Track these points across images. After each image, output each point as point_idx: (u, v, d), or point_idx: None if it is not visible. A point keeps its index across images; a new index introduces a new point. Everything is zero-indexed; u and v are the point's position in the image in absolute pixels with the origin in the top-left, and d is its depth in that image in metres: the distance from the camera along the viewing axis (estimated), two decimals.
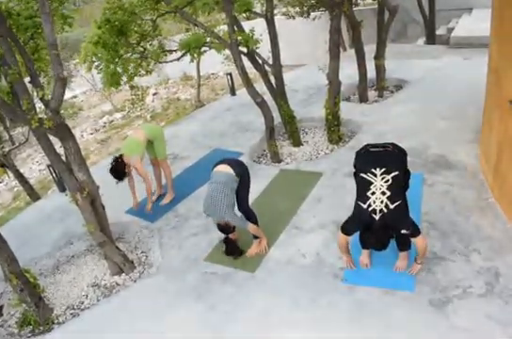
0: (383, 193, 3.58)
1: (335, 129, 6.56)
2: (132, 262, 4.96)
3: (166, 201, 6.10)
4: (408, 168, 4.00)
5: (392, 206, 3.54)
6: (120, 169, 5.47)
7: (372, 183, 3.67)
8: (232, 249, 4.69)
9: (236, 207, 4.60)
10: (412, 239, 3.69)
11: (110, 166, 5.48)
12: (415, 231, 3.62)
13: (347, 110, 7.05)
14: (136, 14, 6.16)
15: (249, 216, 4.70)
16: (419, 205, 4.74)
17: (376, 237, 3.60)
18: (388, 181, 3.63)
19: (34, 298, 4.37)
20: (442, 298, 3.63)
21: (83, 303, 4.65)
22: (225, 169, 4.49)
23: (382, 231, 3.57)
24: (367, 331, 3.51)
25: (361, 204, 3.65)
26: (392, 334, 3.44)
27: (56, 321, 4.46)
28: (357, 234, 3.76)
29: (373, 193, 3.62)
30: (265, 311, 3.94)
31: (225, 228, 4.48)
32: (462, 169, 5.29)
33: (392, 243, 3.84)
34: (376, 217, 3.55)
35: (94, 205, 4.64)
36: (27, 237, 5.98)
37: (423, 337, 3.38)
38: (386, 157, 3.86)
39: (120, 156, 5.50)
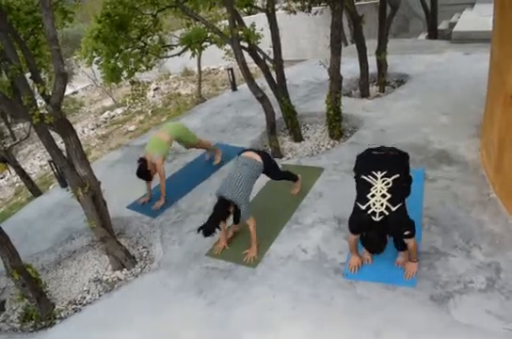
0: (383, 196, 3.60)
1: (336, 124, 6.54)
2: (133, 257, 4.97)
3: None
4: (409, 173, 4.00)
5: (394, 209, 3.55)
6: (143, 171, 5.70)
7: (372, 185, 3.69)
8: (210, 226, 4.32)
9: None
10: (406, 240, 3.68)
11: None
12: (414, 232, 3.62)
13: (349, 105, 7.03)
14: (136, 9, 6.14)
15: (287, 176, 5.29)
16: (420, 200, 4.73)
17: (377, 240, 3.62)
18: (388, 183, 3.64)
19: (36, 293, 4.39)
20: (443, 294, 3.63)
21: (84, 298, 4.67)
22: (253, 155, 4.70)
23: (382, 234, 3.60)
24: (368, 326, 3.51)
25: (360, 206, 3.67)
26: (393, 329, 3.45)
27: (57, 316, 4.48)
28: None
29: (372, 195, 3.63)
30: (266, 306, 3.94)
31: (219, 208, 4.36)
32: (463, 165, 5.28)
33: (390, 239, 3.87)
34: (376, 219, 3.55)
35: (95, 201, 4.65)
36: (29, 233, 6.01)
37: (423, 332, 3.38)
38: (387, 161, 3.88)
39: (141, 159, 5.73)
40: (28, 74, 4.78)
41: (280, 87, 6.52)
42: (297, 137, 6.88)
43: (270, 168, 4.88)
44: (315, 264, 4.29)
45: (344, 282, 3.99)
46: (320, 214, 4.99)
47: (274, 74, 6.50)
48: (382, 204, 3.56)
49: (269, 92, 6.54)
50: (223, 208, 4.39)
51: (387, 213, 3.54)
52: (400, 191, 3.70)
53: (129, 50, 6.36)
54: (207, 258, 4.73)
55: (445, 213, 4.55)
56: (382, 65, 7.97)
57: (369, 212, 3.58)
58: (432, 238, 4.23)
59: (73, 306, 4.60)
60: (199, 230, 4.35)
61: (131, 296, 4.47)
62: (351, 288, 3.91)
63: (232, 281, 4.33)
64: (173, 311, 4.13)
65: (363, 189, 3.73)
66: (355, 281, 3.98)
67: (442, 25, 12.01)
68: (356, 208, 3.73)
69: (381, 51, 7.78)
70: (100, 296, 4.64)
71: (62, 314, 4.50)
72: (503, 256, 3.86)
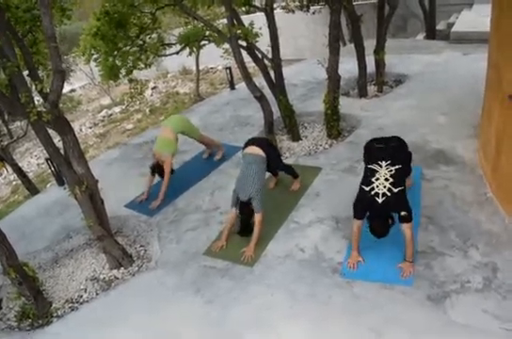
0: (386, 179, 3.92)
1: (334, 124, 6.54)
2: (130, 256, 4.96)
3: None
4: (409, 151, 4.51)
5: (395, 190, 3.85)
6: (160, 171, 5.91)
7: (377, 171, 4.02)
8: (244, 227, 4.79)
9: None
10: (403, 226, 3.79)
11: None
12: (411, 216, 3.79)
13: (347, 105, 7.03)
14: (135, 7, 6.13)
15: (289, 169, 5.43)
16: (418, 199, 4.73)
17: (381, 222, 3.84)
18: (391, 171, 3.98)
19: (33, 292, 4.38)
20: (440, 293, 3.64)
21: (81, 297, 4.66)
22: (256, 150, 4.89)
23: (384, 215, 3.84)
24: (366, 325, 3.52)
25: (364, 187, 3.97)
26: (390, 329, 3.46)
27: (54, 314, 4.47)
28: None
29: (377, 179, 3.96)
30: (264, 305, 3.95)
31: (245, 210, 4.67)
32: (461, 164, 5.29)
33: (391, 237, 3.88)
34: (379, 200, 3.80)
35: (93, 199, 4.63)
36: (26, 231, 5.99)
37: (420, 332, 3.39)
38: (391, 152, 4.27)
39: (153, 165, 5.93)
40: (26, 72, 4.77)
41: (278, 86, 6.51)
42: (295, 137, 6.88)
43: (271, 158, 5.01)
44: (313, 263, 4.29)
45: (342, 282, 3.99)
46: (318, 213, 4.99)
47: (272, 73, 6.50)
48: (385, 186, 3.87)
49: (267, 91, 6.54)
50: (245, 208, 4.66)
51: (389, 194, 3.82)
52: (402, 178, 4.04)
53: (128, 48, 6.36)
54: (204, 257, 4.72)
55: (442, 212, 4.56)
56: (380, 65, 7.96)
57: (372, 193, 3.87)
58: (429, 238, 4.24)
59: (70, 304, 4.58)
60: (241, 234, 4.76)
61: (128, 294, 4.46)
62: (349, 287, 3.92)
63: (230, 280, 4.33)
64: (171, 309, 4.13)
65: (369, 174, 4.09)
66: (352, 280, 3.98)
67: (441, 26, 12.01)
68: (360, 190, 4.02)
69: (379, 51, 7.78)
70: (97, 294, 4.62)
71: (59, 313, 4.48)
72: (500, 256, 3.88)
